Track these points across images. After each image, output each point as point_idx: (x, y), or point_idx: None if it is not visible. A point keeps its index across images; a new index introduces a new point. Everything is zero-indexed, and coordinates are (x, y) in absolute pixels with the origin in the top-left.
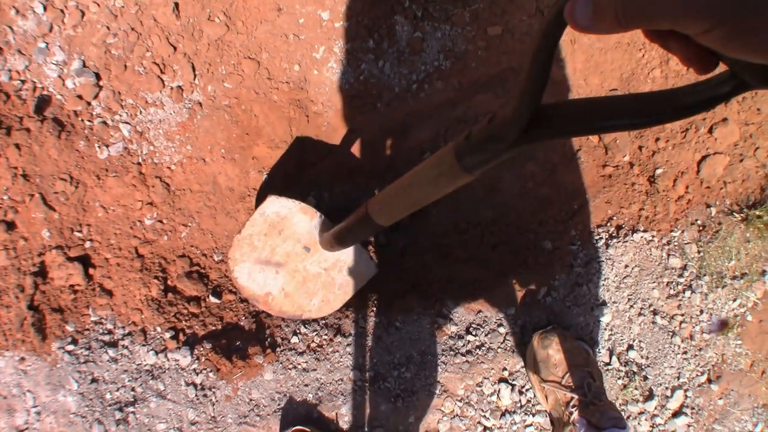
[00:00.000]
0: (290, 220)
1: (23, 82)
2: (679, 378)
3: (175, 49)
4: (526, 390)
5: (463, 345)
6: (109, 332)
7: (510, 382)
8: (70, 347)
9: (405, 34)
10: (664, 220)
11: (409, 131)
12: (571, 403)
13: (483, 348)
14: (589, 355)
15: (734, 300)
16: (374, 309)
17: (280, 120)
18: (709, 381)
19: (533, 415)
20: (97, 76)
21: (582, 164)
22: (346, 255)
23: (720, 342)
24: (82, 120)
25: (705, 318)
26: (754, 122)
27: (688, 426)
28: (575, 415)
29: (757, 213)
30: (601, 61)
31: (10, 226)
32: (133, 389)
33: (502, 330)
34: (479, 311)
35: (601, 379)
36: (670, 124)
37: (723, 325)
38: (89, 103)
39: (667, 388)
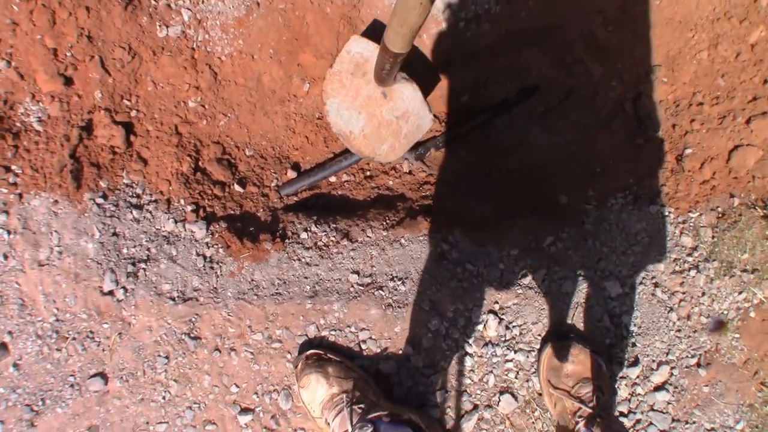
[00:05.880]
0: (372, 63)
1: None
2: (668, 354)
3: None
4: (513, 326)
5: (461, 272)
6: (137, 196)
7: (499, 315)
8: (100, 200)
9: None
10: (685, 199)
11: (452, 69)
12: (578, 413)
13: (480, 278)
14: (601, 369)
15: (740, 293)
16: (384, 222)
17: (329, 31)
18: (698, 365)
19: (515, 352)
20: None
21: (615, 132)
22: (413, 106)
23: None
24: None
25: (706, 301)
26: None
27: (668, 403)
28: (581, 425)
29: None
30: (647, 36)
31: (68, 81)
32: (148, 249)
33: (501, 266)
34: (483, 245)
35: (610, 394)
36: (708, 107)
37: (720, 325)
38: None
39: (653, 360)
